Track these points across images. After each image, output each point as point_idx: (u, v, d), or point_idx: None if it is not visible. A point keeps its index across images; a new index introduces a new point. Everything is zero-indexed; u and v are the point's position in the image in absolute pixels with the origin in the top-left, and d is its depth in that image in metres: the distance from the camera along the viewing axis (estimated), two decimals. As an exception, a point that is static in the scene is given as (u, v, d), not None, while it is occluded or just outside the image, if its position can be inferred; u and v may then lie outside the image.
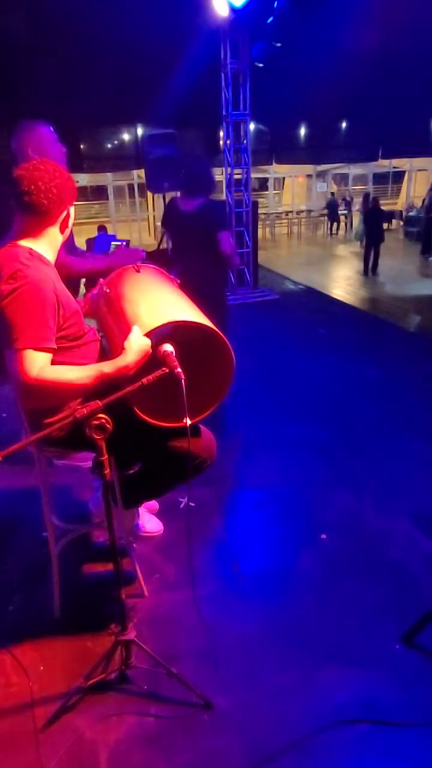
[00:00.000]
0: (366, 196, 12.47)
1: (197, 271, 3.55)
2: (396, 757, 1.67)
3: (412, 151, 12.87)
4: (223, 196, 8.37)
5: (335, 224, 17.04)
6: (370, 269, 10.07)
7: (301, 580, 2.37)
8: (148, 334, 1.70)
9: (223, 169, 8.13)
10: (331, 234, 16.82)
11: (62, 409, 1.88)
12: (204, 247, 3.54)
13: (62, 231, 1.87)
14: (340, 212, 17.06)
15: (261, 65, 6.95)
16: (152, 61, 7.37)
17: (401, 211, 16.78)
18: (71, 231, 2.00)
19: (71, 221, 1.90)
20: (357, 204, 16.79)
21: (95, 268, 2.55)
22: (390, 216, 16.61)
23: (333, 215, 16.90)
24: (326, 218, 17.33)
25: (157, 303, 1.88)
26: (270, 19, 6.54)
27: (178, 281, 2.15)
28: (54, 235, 1.84)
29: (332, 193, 18.91)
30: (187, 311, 1.83)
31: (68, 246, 2.23)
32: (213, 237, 3.51)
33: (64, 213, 1.82)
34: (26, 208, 1.75)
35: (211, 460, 2.07)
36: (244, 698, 1.84)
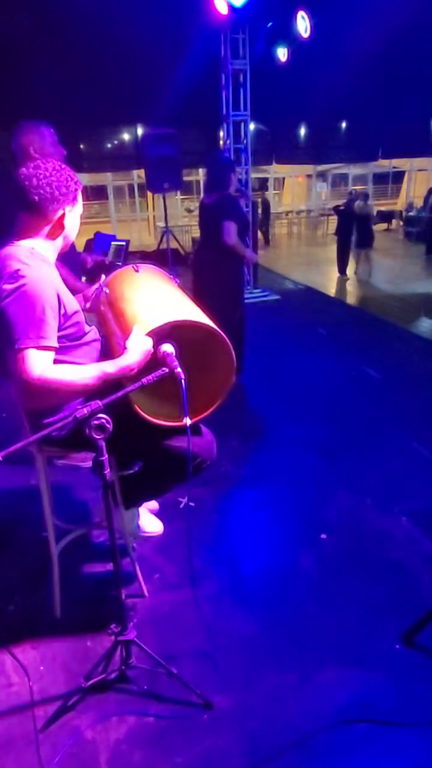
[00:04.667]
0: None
1: (208, 260, 4.11)
2: (396, 757, 1.67)
3: (412, 151, 12.83)
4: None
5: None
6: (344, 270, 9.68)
7: (301, 580, 2.37)
8: (149, 334, 1.70)
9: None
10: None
11: (62, 409, 1.88)
12: (215, 237, 3.89)
13: (57, 232, 1.81)
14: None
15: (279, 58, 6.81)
16: (152, 61, 7.36)
17: (401, 211, 16.73)
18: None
19: (71, 225, 1.84)
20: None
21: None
22: (390, 216, 16.58)
23: None
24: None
25: (158, 302, 1.89)
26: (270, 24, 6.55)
27: (178, 280, 2.15)
28: (53, 234, 1.82)
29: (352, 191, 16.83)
30: (188, 310, 1.83)
31: (68, 251, 2.20)
32: (221, 228, 3.83)
33: (60, 212, 1.78)
34: (20, 205, 1.76)
35: (211, 460, 2.07)
36: (244, 698, 1.85)
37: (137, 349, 1.69)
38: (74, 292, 2.66)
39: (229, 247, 3.86)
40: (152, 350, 1.71)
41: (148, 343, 1.70)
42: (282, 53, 6.92)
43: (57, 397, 1.77)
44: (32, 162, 1.79)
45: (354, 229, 9.74)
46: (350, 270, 9.76)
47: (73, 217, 1.85)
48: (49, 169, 1.75)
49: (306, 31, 6.43)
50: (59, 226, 1.81)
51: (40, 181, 1.73)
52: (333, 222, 16.94)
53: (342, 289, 9.21)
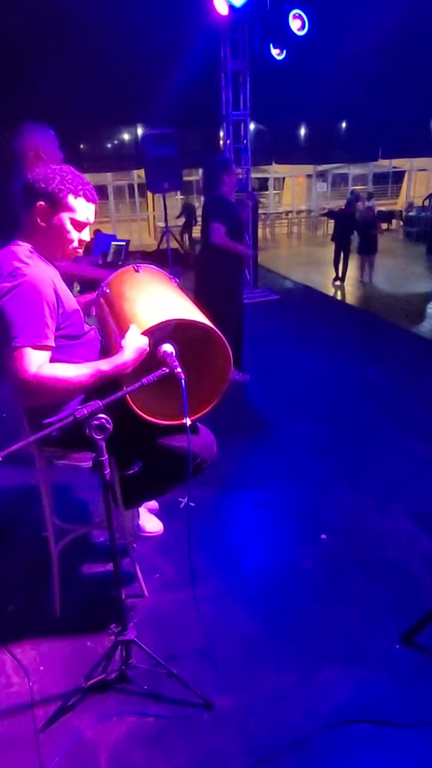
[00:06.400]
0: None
1: (204, 260, 4.22)
2: (396, 757, 1.67)
3: (412, 151, 12.84)
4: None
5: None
6: (340, 276, 9.38)
7: (301, 580, 2.37)
8: (145, 333, 1.71)
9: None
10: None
11: (61, 409, 1.88)
12: (207, 238, 3.98)
13: (54, 232, 1.80)
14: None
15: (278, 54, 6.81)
16: (152, 61, 7.36)
17: (401, 211, 16.76)
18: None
19: (67, 226, 1.81)
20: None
21: (87, 275, 2.59)
22: (390, 216, 16.61)
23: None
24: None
25: (155, 302, 1.89)
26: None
27: (178, 281, 2.15)
28: (49, 235, 1.81)
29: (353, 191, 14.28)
30: (184, 309, 1.83)
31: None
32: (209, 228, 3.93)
33: (55, 215, 1.77)
34: (22, 203, 1.78)
35: (211, 459, 2.07)
36: (244, 698, 1.84)
37: (132, 347, 1.69)
38: (98, 280, 2.69)
39: (217, 246, 3.94)
40: (148, 349, 1.72)
41: (144, 342, 1.71)
42: (278, 53, 6.91)
43: (53, 396, 1.76)
44: (45, 165, 1.82)
45: (355, 235, 9.57)
46: (350, 275, 9.66)
47: (71, 219, 1.82)
48: (47, 172, 1.77)
49: (304, 31, 6.43)
50: (56, 226, 1.80)
51: (38, 182, 1.74)
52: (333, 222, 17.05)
53: (342, 289, 9.21)
